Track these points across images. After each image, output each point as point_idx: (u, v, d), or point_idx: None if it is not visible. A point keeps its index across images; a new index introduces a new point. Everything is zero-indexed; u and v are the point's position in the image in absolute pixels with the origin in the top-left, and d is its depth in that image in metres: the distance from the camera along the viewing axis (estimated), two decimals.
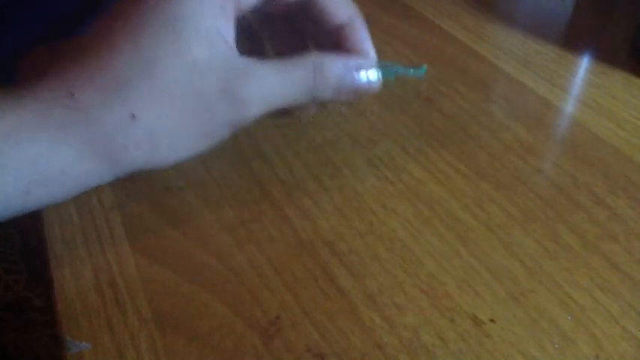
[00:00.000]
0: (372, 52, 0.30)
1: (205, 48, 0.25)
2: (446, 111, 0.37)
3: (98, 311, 0.24)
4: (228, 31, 0.26)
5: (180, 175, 0.31)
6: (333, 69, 0.28)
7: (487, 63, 0.43)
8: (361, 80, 0.29)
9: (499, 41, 0.45)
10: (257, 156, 0.33)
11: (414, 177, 0.32)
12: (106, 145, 0.24)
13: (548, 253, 0.28)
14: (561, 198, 0.31)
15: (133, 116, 0.24)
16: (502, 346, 0.24)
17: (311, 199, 0.30)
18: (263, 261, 0.27)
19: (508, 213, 0.30)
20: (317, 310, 0.25)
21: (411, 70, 0.31)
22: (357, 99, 0.30)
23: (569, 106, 0.38)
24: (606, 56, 0.44)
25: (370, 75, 0.29)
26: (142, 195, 0.30)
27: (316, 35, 0.31)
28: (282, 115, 0.29)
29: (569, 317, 0.25)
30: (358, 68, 0.29)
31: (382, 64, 0.30)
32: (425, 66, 0.31)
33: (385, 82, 0.30)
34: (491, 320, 0.25)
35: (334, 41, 0.29)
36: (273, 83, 0.26)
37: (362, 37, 0.29)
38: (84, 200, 0.29)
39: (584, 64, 0.44)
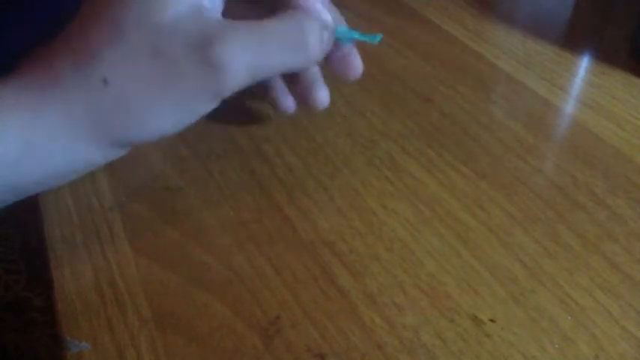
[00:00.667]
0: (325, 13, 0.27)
1: (170, 8, 0.24)
2: (446, 111, 0.37)
3: (98, 311, 0.24)
4: None
5: (180, 175, 0.31)
6: (315, 28, 0.26)
7: (487, 63, 0.43)
8: (330, 41, 0.27)
9: (499, 41, 0.45)
10: (257, 156, 0.33)
11: (414, 177, 0.32)
12: (84, 114, 0.24)
13: (548, 253, 0.28)
14: (561, 198, 0.31)
15: (105, 81, 0.24)
16: (502, 346, 0.24)
17: (311, 199, 0.30)
18: (263, 261, 0.27)
19: (508, 213, 0.30)
20: (317, 310, 0.25)
21: (367, 37, 0.30)
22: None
23: (569, 106, 0.38)
24: (606, 56, 0.44)
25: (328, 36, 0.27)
26: (142, 195, 0.30)
27: None
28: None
29: (569, 317, 0.25)
30: (326, 28, 0.27)
31: (339, 29, 0.28)
32: (380, 34, 0.30)
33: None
34: (491, 320, 0.25)
35: None
36: (256, 47, 0.25)
37: None
38: (84, 200, 0.29)
39: (584, 64, 0.44)
